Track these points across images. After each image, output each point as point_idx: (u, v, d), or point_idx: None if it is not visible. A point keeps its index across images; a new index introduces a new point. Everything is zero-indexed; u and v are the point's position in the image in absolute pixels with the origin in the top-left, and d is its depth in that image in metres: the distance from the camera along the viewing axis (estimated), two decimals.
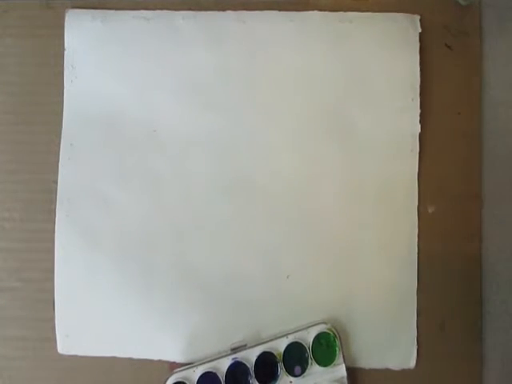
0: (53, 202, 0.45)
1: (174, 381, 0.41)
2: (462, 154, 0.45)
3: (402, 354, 0.44)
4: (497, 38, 0.46)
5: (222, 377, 0.41)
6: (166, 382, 0.41)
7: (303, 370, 0.42)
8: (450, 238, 0.45)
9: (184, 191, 0.44)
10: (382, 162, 0.45)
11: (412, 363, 0.44)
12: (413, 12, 0.45)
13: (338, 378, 0.42)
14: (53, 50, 0.46)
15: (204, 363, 0.42)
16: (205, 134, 0.45)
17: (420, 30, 0.45)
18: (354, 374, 0.43)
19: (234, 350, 0.42)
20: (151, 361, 0.44)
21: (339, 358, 0.42)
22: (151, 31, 0.45)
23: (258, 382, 0.41)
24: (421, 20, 0.45)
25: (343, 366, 0.42)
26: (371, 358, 0.44)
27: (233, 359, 0.42)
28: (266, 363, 0.42)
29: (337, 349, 0.42)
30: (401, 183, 0.45)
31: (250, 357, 0.42)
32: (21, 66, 0.46)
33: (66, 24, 0.45)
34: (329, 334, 0.42)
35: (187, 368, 0.42)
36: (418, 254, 0.44)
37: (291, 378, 0.42)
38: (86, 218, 0.44)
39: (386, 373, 0.44)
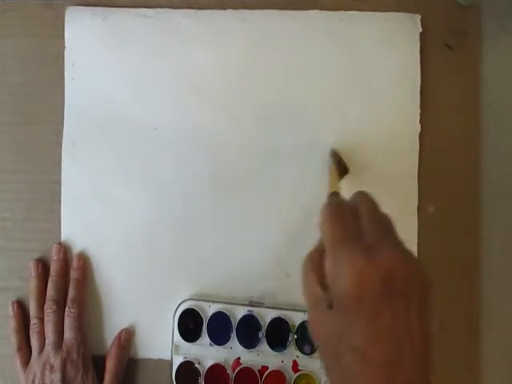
0: (54, 202, 0.43)
1: (189, 306, 0.41)
2: (461, 153, 0.44)
3: None
4: (497, 38, 0.44)
5: (234, 322, 0.41)
6: (180, 304, 0.41)
7: (312, 351, 0.41)
8: (449, 238, 0.43)
9: (184, 188, 0.43)
10: (382, 162, 0.43)
11: None
12: (413, 12, 0.43)
13: None
14: (53, 50, 0.44)
15: (221, 303, 0.42)
16: (205, 132, 0.43)
17: (420, 30, 0.43)
18: None
19: (252, 303, 0.42)
20: (151, 360, 0.43)
21: None
22: (152, 29, 0.43)
23: (267, 341, 0.41)
24: (421, 20, 0.43)
25: None
26: None
27: (248, 311, 0.41)
28: (279, 329, 0.41)
29: None
30: (401, 183, 0.43)
31: (265, 316, 0.41)
32: (21, 66, 0.44)
33: (66, 21, 0.44)
34: None
35: (204, 300, 0.42)
36: (418, 253, 0.42)
37: (298, 353, 0.41)
38: (90, 216, 0.43)
39: None
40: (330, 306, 0.26)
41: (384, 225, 0.28)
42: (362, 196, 0.30)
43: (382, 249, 0.26)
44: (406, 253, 0.27)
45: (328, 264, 0.27)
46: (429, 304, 0.27)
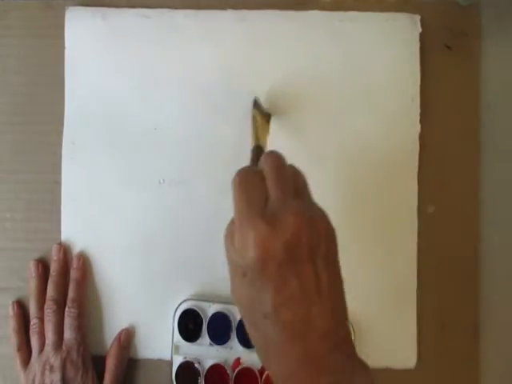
0: (54, 202, 0.43)
1: (189, 306, 0.41)
2: (461, 153, 0.43)
3: (402, 354, 0.42)
4: (496, 38, 0.44)
5: (234, 322, 0.41)
6: (180, 304, 0.41)
7: None
8: (449, 238, 0.43)
9: (184, 188, 0.43)
10: (382, 162, 0.43)
11: (412, 363, 0.42)
12: (413, 12, 0.43)
13: None
14: (53, 50, 0.44)
15: (221, 303, 0.41)
16: (205, 133, 0.43)
17: (420, 30, 0.43)
18: None
19: None
20: (151, 360, 0.43)
21: None
22: (152, 29, 0.43)
23: None
24: (421, 20, 0.43)
25: None
26: (371, 358, 0.40)
27: None
28: None
29: None
30: (401, 183, 0.43)
31: None
32: (21, 66, 0.44)
33: (66, 21, 0.43)
34: None
35: (204, 300, 0.41)
36: (418, 253, 0.42)
37: None
38: (90, 216, 0.43)
39: (387, 372, 0.42)
40: (244, 275, 0.27)
41: (288, 185, 0.28)
42: (267, 157, 0.30)
43: (285, 214, 0.26)
44: (309, 212, 0.27)
45: (236, 235, 0.27)
46: (336, 250, 0.29)
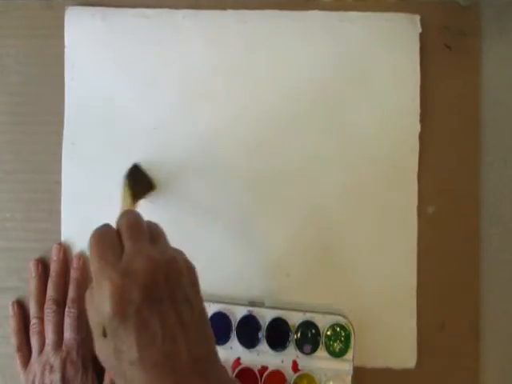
0: (54, 202, 0.43)
1: None
2: (461, 154, 0.43)
3: (402, 354, 0.42)
4: (496, 38, 0.44)
5: (234, 322, 0.41)
6: None
7: (312, 351, 0.41)
8: (449, 238, 0.43)
9: (183, 189, 0.43)
10: (382, 162, 0.43)
11: (412, 363, 0.42)
12: (413, 12, 0.43)
13: (341, 373, 0.41)
14: (53, 50, 0.44)
15: (221, 303, 0.41)
16: (204, 132, 0.43)
17: (420, 30, 0.43)
18: (354, 372, 0.41)
19: (252, 303, 0.42)
20: None
21: (349, 355, 0.41)
22: (151, 29, 0.43)
23: (267, 341, 0.41)
24: (421, 20, 0.43)
25: (351, 363, 0.41)
26: (372, 357, 0.42)
27: (248, 311, 0.41)
28: (279, 329, 0.41)
29: (350, 345, 0.41)
30: (401, 183, 0.43)
31: (265, 316, 0.41)
32: (21, 66, 0.44)
33: (66, 21, 0.43)
34: (345, 328, 0.41)
35: (204, 300, 0.41)
36: (418, 254, 0.42)
37: (298, 353, 0.41)
38: (90, 216, 0.43)
39: (387, 372, 0.42)
40: (104, 335, 0.27)
41: (143, 235, 0.30)
42: (123, 215, 0.32)
43: (138, 260, 0.28)
44: (163, 252, 0.29)
45: (94, 291, 0.28)
46: (196, 282, 0.30)
